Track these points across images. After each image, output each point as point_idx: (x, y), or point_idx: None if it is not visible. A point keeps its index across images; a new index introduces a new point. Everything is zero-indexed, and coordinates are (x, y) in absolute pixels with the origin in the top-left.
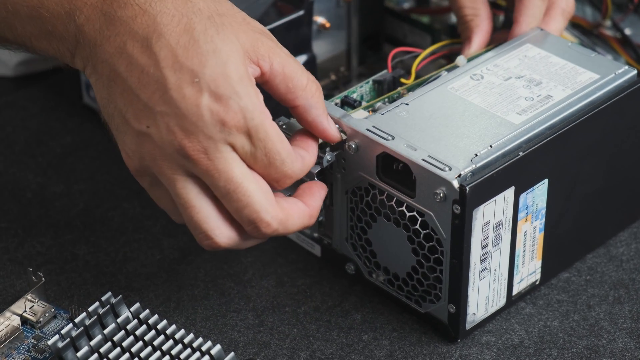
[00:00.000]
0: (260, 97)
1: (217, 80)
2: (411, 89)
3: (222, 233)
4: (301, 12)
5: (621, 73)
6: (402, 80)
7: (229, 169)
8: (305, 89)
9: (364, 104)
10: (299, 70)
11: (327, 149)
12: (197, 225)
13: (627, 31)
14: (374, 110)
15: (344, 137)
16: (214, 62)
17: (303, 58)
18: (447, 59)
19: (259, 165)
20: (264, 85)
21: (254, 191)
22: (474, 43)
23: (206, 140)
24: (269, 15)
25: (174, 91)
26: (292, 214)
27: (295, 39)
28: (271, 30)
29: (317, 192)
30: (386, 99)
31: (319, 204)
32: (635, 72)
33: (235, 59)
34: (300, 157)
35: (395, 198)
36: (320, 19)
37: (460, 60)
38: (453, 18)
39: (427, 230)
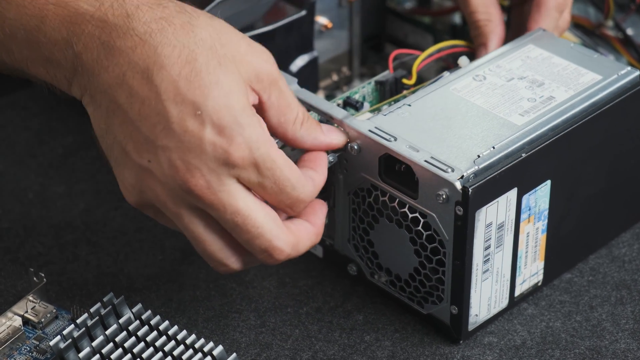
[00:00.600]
0: (264, 125)
1: (219, 112)
2: (416, 92)
3: (236, 260)
4: (303, 13)
5: (624, 74)
6: (404, 80)
7: (235, 202)
8: (295, 122)
9: (366, 105)
10: (291, 104)
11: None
12: (210, 256)
13: (629, 31)
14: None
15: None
16: (216, 93)
17: (305, 58)
18: (446, 61)
19: (269, 194)
20: (257, 110)
21: (263, 221)
22: (490, 48)
23: (209, 174)
24: (271, 15)
25: (176, 124)
26: (302, 236)
27: (297, 39)
28: (273, 31)
29: (319, 210)
30: (392, 102)
31: (322, 221)
32: (637, 72)
33: (237, 90)
34: (310, 179)
35: (397, 199)
36: (322, 19)
37: (463, 61)
38: (455, 18)
39: (430, 232)
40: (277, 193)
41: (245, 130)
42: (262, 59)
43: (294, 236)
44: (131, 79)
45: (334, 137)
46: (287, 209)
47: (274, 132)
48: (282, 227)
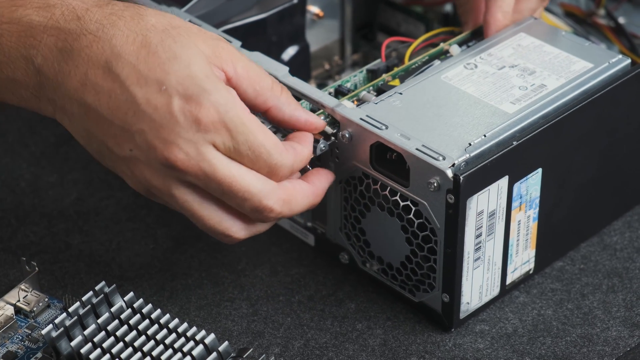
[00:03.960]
0: (233, 92)
1: (183, 82)
2: (395, 75)
3: (238, 228)
4: (295, 1)
5: (615, 62)
6: (396, 69)
7: (217, 169)
8: (272, 88)
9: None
10: (263, 72)
11: (321, 137)
12: (212, 229)
13: (621, 20)
14: (359, 100)
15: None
16: (176, 66)
17: (296, 47)
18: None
19: (245, 159)
20: None
21: (249, 182)
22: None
23: (186, 145)
24: (262, 4)
25: (144, 105)
26: (295, 194)
27: (288, 28)
28: (265, 20)
29: (323, 174)
30: (370, 88)
31: (324, 185)
32: (629, 61)
33: (197, 60)
34: (292, 149)
35: (389, 187)
36: (314, 8)
37: (454, 49)
38: (446, 7)
39: (421, 220)
40: (252, 160)
41: (212, 95)
42: (216, 38)
43: (286, 193)
44: (93, 76)
45: (314, 116)
46: (268, 177)
47: (254, 105)
48: (271, 184)
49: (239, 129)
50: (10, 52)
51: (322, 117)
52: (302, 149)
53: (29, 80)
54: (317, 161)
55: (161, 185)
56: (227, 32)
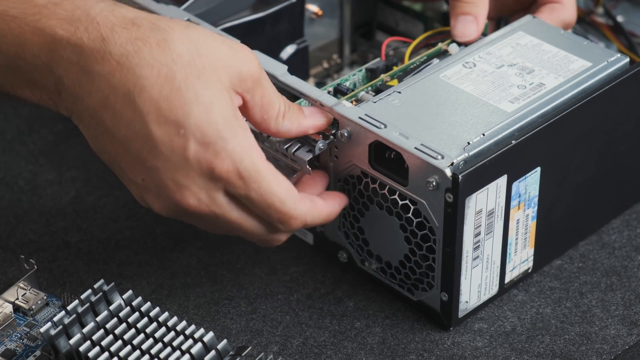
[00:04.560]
0: (251, 136)
1: (202, 127)
2: (394, 76)
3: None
4: (293, 0)
5: (613, 61)
6: (395, 68)
7: (226, 213)
8: (277, 117)
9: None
10: (274, 100)
11: (320, 136)
12: (247, 238)
13: (620, 18)
14: (358, 100)
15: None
16: (197, 110)
17: (295, 46)
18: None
19: (257, 207)
20: (240, 110)
21: (255, 229)
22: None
23: (199, 192)
24: (261, 2)
25: (161, 145)
26: (311, 215)
27: (287, 26)
28: (263, 19)
29: (338, 197)
30: (369, 88)
31: (337, 209)
32: (627, 59)
33: (219, 101)
34: (310, 202)
35: (387, 186)
36: (312, 7)
37: (453, 48)
38: (445, 6)
39: (420, 219)
40: (264, 208)
41: (229, 144)
42: (244, 60)
43: (284, 234)
44: (114, 102)
45: (317, 119)
46: (279, 225)
47: (256, 128)
48: (271, 228)
49: (253, 177)
50: (32, 60)
51: None
52: (323, 205)
53: (49, 87)
54: (315, 161)
55: (172, 215)
56: (225, 30)
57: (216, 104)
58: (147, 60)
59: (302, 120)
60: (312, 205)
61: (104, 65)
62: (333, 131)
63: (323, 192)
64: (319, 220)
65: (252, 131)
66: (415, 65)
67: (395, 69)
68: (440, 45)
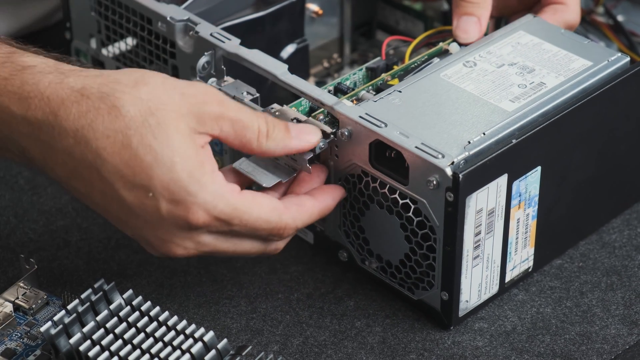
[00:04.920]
0: (219, 179)
1: (168, 187)
2: (395, 75)
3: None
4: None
5: (614, 60)
6: (395, 67)
7: (218, 248)
8: (258, 138)
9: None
10: (247, 124)
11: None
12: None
13: (620, 18)
14: (358, 100)
15: (321, 137)
16: (159, 171)
17: (295, 45)
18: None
19: (245, 236)
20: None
21: (250, 249)
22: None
23: (183, 241)
24: (262, 2)
25: (136, 208)
26: (300, 216)
27: (288, 26)
28: (264, 17)
29: (330, 190)
30: (370, 87)
31: (330, 203)
32: (627, 59)
33: (180, 156)
34: (295, 205)
35: (388, 185)
36: (313, 6)
37: (453, 47)
38: (445, 5)
39: (420, 218)
40: (252, 232)
41: (198, 197)
42: (198, 102)
43: (282, 241)
44: (82, 173)
45: (304, 140)
46: (272, 238)
47: (242, 150)
48: (266, 242)
49: (232, 215)
50: None
51: (320, 117)
52: (312, 204)
53: (18, 153)
54: (316, 160)
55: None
56: (226, 29)
57: (178, 161)
58: (102, 132)
59: (288, 141)
60: (299, 208)
61: (61, 141)
62: (333, 130)
63: (316, 188)
64: (312, 219)
65: None
66: (416, 64)
67: (395, 68)
68: (441, 44)
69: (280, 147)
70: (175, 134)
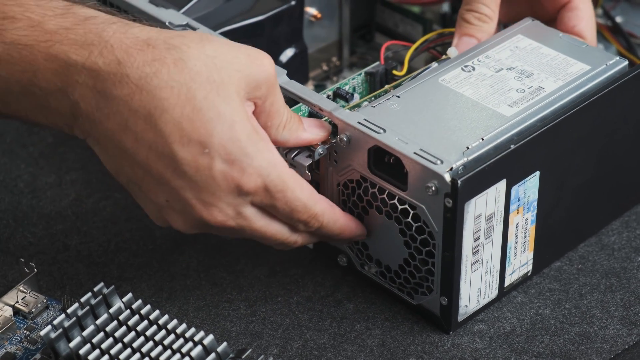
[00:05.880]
0: (273, 148)
1: (226, 146)
2: (397, 86)
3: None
4: (293, 3)
5: (612, 64)
6: (394, 72)
7: (252, 224)
8: (278, 126)
9: (356, 97)
10: (281, 109)
11: (320, 142)
12: (267, 242)
13: (618, 19)
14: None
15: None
16: (219, 128)
17: (294, 49)
18: (440, 54)
19: (281, 214)
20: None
21: (278, 233)
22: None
23: (227, 208)
24: (260, 6)
25: (186, 165)
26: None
27: (286, 29)
28: (263, 21)
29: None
30: (372, 98)
31: (353, 231)
32: (626, 62)
33: (240, 117)
34: (328, 203)
35: (386, 191)
36: (311, 10)
37: (452, 52)
38: (444, 7)
39: (419, 223)
40: (288, 213)
41: (255, 160)
42: (261, 67)
43: (303, 236)
44: (134, 125)
45: (316, 133)
46: (301, 226)
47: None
48: (294, 234)
49: (279, 188)
50: (46, 86)
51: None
52: (341, 213)
53: (64, 111)
54: (315, 169)
55: (191, 231)
56: (224, 34)
57: (238, 121)
58: (166, 82)
59: (301, 133)
60: (329, 207)
61: (122, 88)
62: (333, 139)
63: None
64: (336, 224)
65: None
66: (417, 75)
67: (394, 72)
68: (443, 57)
69: (294, 138)
70: (236, 95)
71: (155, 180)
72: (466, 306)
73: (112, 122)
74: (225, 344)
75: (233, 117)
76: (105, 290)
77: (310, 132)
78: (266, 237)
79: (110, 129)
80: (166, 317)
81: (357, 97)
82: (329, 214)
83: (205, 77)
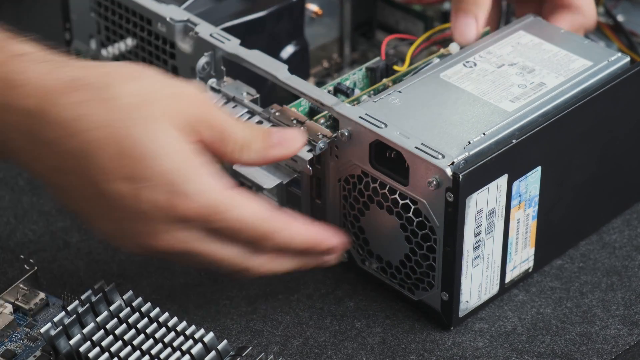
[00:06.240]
0: (208, 172)
1: (158, 178)
2: (396, 80)
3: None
4: (294, 0)
5: (614, 60)
6: (395, 67)
7: (200, 248)
8: (233, 152)
9: (357, 92)
10: (225, 136)
11: (319, 135)
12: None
13: (620, 18)
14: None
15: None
16: (149, 163)
17: (295, 46)
18: (441, 45)
19: (228, 237)
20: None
21: (234, 256)
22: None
23: (170, 236)
24: (261, 2)
25: (123, 200)
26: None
27: (287, 26)
28: (263, 18)
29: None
30: (371, 92)
31: (323, 238)
32: (628, 59)
33: (169, 149)
34: (293, 218)
35: (388, 186)
36: (312, 7)
37: (453, 47)
38: (445, 5)
39: (420, 218)
40: (235, 234)
41: (186, 188)
42: (188, 104)
43: (257, 262)
44: (65, 167)
45: (286, 148)
46: (260, 243)
47: (223, 161)
48: (256, 257)
49: (216, 211)
50: None
51: (322, 121)
52: (310, 225)
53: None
54: (317, 164)
55: (142, 255)
56: (225, 30)
57: (166, 153)
58: (94, 123)
59: (269, 151)
60: (286, 222)
61: (50, 132)
62: (334, 134)
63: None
64: (295, 238)
65: None
66: (418, 70)
67: (395, 68)
68: (442, 51)
69: (261, 158)
70: (166, 130)
71: (98, 214)
72: (467, 302)
73: (44, 163)
74: (225, 341)
75: (162, 150)
76: (106, 288)
77: (281, 147)
78: (220, 260)
79: (43, 169)
80: (166, 314)
81: (357, 93)
82: (286, 230)
83: (135, 114)
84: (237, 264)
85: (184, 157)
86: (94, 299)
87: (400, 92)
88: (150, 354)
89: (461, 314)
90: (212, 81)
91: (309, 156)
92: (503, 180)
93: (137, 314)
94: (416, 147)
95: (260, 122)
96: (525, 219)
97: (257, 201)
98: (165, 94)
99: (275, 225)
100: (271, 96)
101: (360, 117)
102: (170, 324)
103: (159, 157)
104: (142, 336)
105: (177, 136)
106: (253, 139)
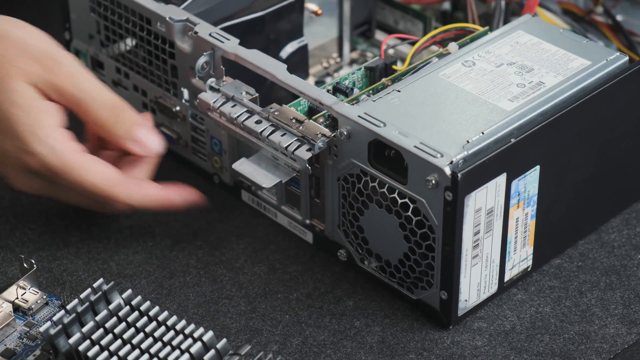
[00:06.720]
0: (56, 134)
1: (13, 131)
2: (395, 80)
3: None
4: None
5: (613, 59)
6: (394, 67)
7: (55, 193)
8: (102, 114)
9: (356, 91)
10: (92, 94)
11: (318, 134)
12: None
13: (619, 17)
14: (358, 102)
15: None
16: (5, 115)
17: (295, 45)
18: (440, 45)
19: (74, 195)
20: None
21: (81, 201)
22: None
23: (24, 179)
24: (261, 2)
25: None
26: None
27: (287, 26)
28: (263, 17)
29: (180, 190)
30: (370, 91)
31: (173, 197)
32: (626, 58)
33: (18, 109)
34: (136, 185)
35: (387, 185)
36: (312, 6)
37: (452, 46)
38: (445, 5)
39: (419, 217)
40: (80, 192)
41: (33, 146)
42: (53, 68)
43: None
44: None
45: (141, 147)
46: (105, 205)
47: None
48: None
49: (60, 171)
50: None
51: (321, 120)
52: (154, 190)
53: None
54: (316, 163)
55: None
56: (225, 29)
57: (15, 113)
58: None
59: (136, 128)
60: (138, 188)
61: None
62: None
63: (171, 183)
64: (149, 204)
65: None
66: (417, 69)
67: (394, 67)
68: (441, 50)
69: (122, 140)
70: (27, 86)
71: None
72: (466, 301)
73: None
74: (224, 340)
75: (11, 109)
76: (105, 287)
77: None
78: (79, 204)
79: None
80: (166, 313)
81: (356, 92)
82: (137, 196)
83: None
84: (90, 207)
85: (36, 116)
86: (93, 297)
87: (399, 91)
88: (149, 353)
89: (460, 312)
90: (212, 80)
91: (308, 155)
92: (502, 179)
93: (136, 313)
94: (415, 146)
95: (259, 122)
96: (524, 218)
97: (106, 165)
98: (19, 50)
99: (121, 192)
100: (270, 96)
101: (359, 117)
102: (169, 322)
103: (14, 112)
104: (141, 335)
105: (30, 94)
106: (122, 110)
